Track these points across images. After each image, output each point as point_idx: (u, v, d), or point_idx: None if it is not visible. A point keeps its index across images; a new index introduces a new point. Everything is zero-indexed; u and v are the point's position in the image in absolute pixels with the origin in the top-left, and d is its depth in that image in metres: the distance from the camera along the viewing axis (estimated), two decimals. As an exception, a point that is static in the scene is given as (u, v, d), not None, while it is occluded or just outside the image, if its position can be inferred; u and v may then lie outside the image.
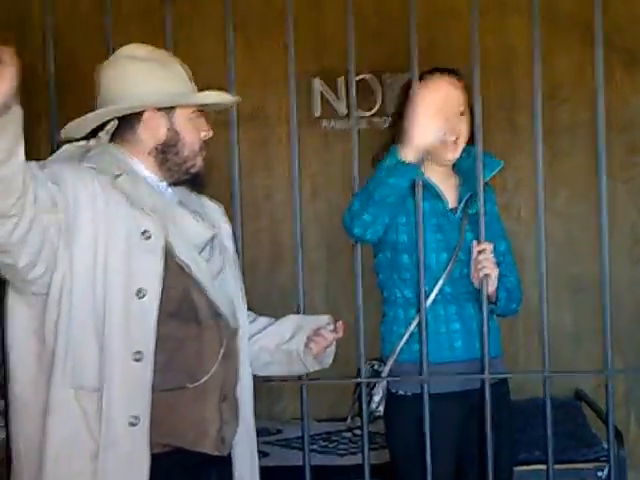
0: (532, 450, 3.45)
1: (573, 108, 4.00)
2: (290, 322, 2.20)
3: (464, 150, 2.54)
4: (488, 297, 2.38)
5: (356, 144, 2.31)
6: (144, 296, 1.86)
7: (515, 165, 4.02)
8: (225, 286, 2.03)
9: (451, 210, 2.56)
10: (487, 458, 2.18)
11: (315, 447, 3.48)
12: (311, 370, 2.20)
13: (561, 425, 3.34)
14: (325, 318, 2.21)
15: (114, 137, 1.98)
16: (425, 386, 2.17)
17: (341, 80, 3.98)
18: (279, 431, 3.85)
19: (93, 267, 1.84)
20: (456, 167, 2.60)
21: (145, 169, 1.98)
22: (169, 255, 1.90)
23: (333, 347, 2.20)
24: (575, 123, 3.99)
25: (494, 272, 2.39)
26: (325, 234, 4.06)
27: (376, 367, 2.52)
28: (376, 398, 2.49)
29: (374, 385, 2.50)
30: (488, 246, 2.37)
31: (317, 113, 4.04)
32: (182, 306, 1.91)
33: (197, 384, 1.90)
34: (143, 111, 1.96)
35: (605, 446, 3.33)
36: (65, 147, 2.01)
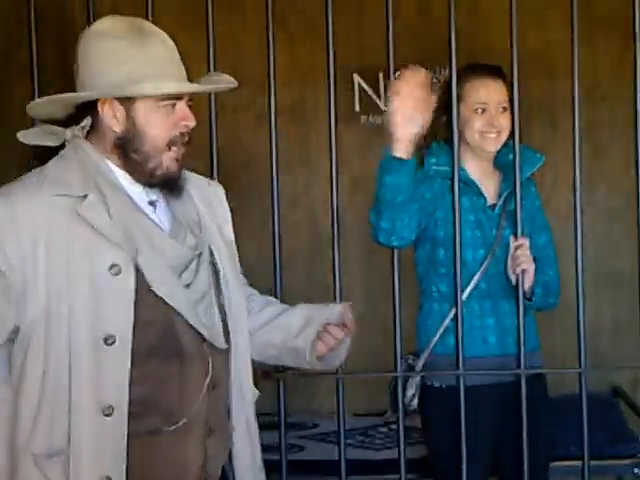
0: (568, 446, 3.42)
1: (612, 104, 3.98)
2: (299, 314, 1.97)
3: (504, 146, 2.54)
4: (524, 293, 2.38)
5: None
6: (113, 342, 1.65)
7: (554, 161, 4.00)
8: (218, 301, 1.82)
9: (490, 206, 2.57)
10: (522, 453, 2.18)
11: (351, 441, 3.48)
12: (319, 369, 2.01)
13: (597, 421, 3.32)
14: (338, 308, 1.97)
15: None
16: (461, 380, 2.17)
17: (381, 75, 3.98)
18: (315, 425, 3.87)
19: (49, 318, 1.64)
20: (497, 162, 2.61)
21: (117, 168, 1.75)
22: (143, 287, 1.68)
23: (347, 343, 1.96)
24: (614, 119, 3.97)
25: (531, 267, 2.39)
26: (364, 228, 4.05)
27: (410, 361, 2.54)
28: (409, 393, 2.50)
29: (407, 379, 2.51)
30: (525, 242, 2.37)
31: (357, 108, 4.05)
32: (163, 341, 1.71)
33: (176, 426, 1.72)
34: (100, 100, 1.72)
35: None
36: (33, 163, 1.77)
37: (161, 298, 1.69)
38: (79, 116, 1.75)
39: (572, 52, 1.98)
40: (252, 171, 4.01)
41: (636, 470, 3.42)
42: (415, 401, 2.51)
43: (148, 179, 1.75)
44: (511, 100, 2.42)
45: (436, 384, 2.52)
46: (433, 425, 2.57)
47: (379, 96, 4.03)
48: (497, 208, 2.56)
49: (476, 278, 2.43)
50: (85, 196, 1.66)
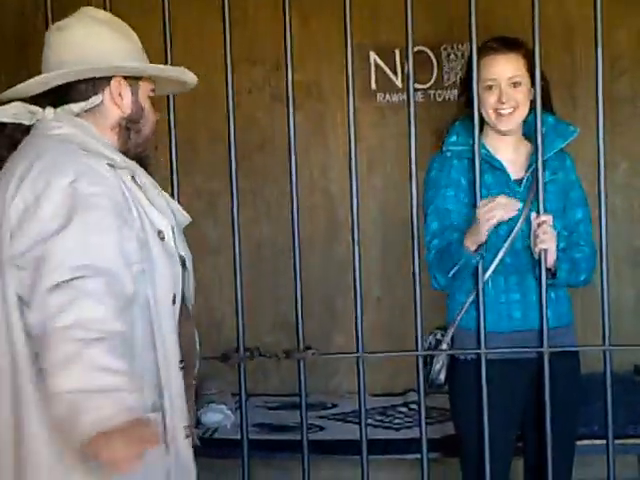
0: (591, 425, 3.42)
1: (633, 79, 3.93)
2: None
3: (534, 116, 2.48)
4: (548, 269, 2.36)
5: (412, 117, 2.30)
6: (175, 301, 1.79)
7: (575, 137, 3.97)
8: None
9: (516, 181, 2.54)
10: (545, 431, 2.17)
11: (370, 421, 3.49)
12: None
13: (620, 400, 3.30)
14: None
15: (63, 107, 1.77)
16: (483, 359, 2.16)
17: (397, 53, 3.95)
18: (335, 405, 3.88)
19: (143, 276, 1.71)
20: (527, 133, 2.57)
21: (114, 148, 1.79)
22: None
23: None
24: (635, 94, 3.92)
25: (552, 245, 2.37)
26: (381, 208, 4.05)
27: (438, 336, 2.55)
28: (436, 367, 2.52)
29: (436, 349, 2.53)
30: (547, 218, 2.35)
31: (373, 86, 4.02)
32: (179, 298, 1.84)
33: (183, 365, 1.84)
34: (110, 78, 1.78)
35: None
36: (56, 128, 1.75)
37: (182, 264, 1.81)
38: (63, 94, 1.76)
39: (595, 25, 1.95)
40: (268, 152, 4.00)
41: (660, 449, 3.41)
42: (443, 375, 2.53)
43: (133, 158, 1.81)
44: (532, 75, 2.39)
45: (462, 357, 2.53)
46: (461, 398, 2.57)
47: (395, 73, 4.00)
48: (524, 182, 2.52)
49: (500, 254, 2.41)
50: (133, 168, 1.75)
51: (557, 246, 2.41)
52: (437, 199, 2.54)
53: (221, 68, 2.30)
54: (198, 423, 2.12)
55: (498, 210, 2.33)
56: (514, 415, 2.54)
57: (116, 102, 1.78)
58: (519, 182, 2.53)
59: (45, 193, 1.60)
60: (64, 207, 1.59)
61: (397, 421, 3.68)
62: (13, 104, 1.76)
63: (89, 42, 1.76)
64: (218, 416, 3.48)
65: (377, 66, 4.01)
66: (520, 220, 2.44)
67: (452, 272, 2.40)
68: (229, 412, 3.48)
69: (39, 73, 1.78)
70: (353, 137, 2.08)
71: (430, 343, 2.54)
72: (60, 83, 1.76)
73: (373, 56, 4.00)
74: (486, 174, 2.46)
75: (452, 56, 3.97)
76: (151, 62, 1.85)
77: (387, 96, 4.02)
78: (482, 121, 2.49)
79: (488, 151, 2.53)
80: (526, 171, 2.53)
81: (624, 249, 3.96)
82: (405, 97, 2.51)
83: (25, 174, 1.65)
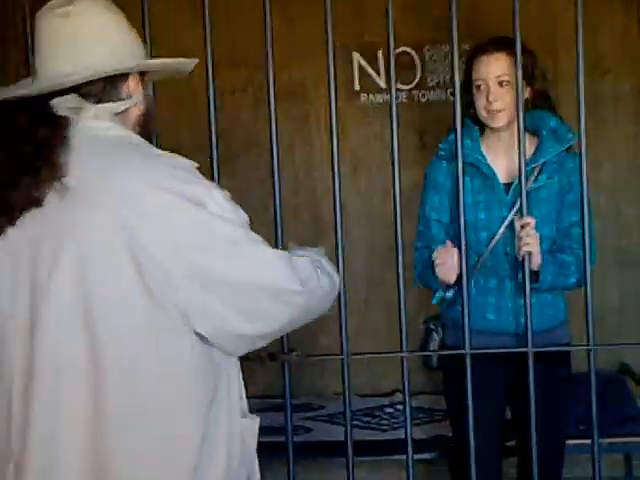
0: (576, 424, 3.43)
1: (616, 78, 3.94)
2: None
3: (537, 115, 2.54)
4: (532, 273, 2.35)
5: (395, 118, 2.29)
6: None
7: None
8: None
9: (505, 185, 2.55)
10: (530, 431, 2.17)
11: (357, 422, 3.49)
12: None
13: (606, 399, 3.31)
14: None
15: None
16: (467, 360, 2.15)
17: (380, 53, 3.96)
18: (322, 407, 3.88)
19: None
20: (532, 129, 2.56)
21: None
22: None
23: None
24: (618, 93, 3.93)
25: (536, 248, 2.36)
26: (365, 208, 4.05)
27: (431, 326, 2.63)
28: (431, 347, 2.62)
29: (429, 337, 2.63)
30: (531, 221, 2.34)
31: (356, 87, 4.02)
32: None
33: None
34: (128, 73, 1.62)
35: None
36: (122, 133, 1.58)
37: None
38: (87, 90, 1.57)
39: (576, 24, 1.95)
40: (252, 153, 3.99)
41: (645, 448, 3.43)
42: (435, 358, 2.63)
43: None
44: (527, 74, 2.41)
45: (450, 344, 2.59)
46: (452, 379, 2.61)
47: (379, 74, 4.00)
48: (513, 187, 2.52)
49: (481, 258, 2.46)
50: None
51: (541, 249, 2.41)
52: (425, 204, 2.62)
53: (204, 70, 2.29)
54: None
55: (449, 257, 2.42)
56: (497, 407, 2.64)
57: (137, 100, 1.64)
58: (508, 186, 2.53)
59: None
60: None
61: (384, 422, 3.68)
62: (71, 95, 1.56)
63: (114, 35, 1.61)
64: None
65: (361, 67, 4.01)
66: (504, 225, 2.47)
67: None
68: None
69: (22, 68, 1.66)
70: (336, 138, 2.08)
71: (425, 331, 2.64)
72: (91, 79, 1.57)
73: (357, 57, 4.00)
74: (475, 178, 2.48)
75: (435, 57, 3.97)
76: None
77: (371, 97, 4.02)
78: (479, 122, 2.56)
79: (480, 154, 2.53)
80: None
81: (609, 249, 3.96)
82: (388, 97, 2.51)
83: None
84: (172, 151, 1.61)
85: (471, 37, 3.16)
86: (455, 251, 2.39)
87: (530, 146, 2.52)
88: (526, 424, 2.27)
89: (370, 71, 4.02)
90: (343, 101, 3.85)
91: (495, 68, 2.49)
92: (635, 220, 3.91)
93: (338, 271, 1.84)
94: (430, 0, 3.43)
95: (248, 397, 1.76)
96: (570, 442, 3.46)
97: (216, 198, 1.53)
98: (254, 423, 1.72)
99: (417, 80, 3.97)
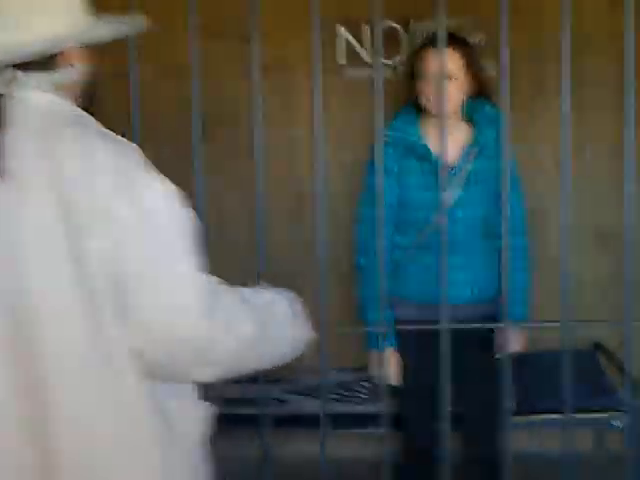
0: (550, 399, 3.47)
1: (601, 59, 3.95)
2: None
3: (473, 101, 2.76)
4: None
5: (381, 93, 2.29)
6: None
7: (541, 117, 4.00)
8: None
9: (448, 167, 2.73)
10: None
11: (334, 396, 3.51)
12: None
13: (579, 375, 3.35)
14: None
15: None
16: (444, 334, 2.13)
17: (366, 28, 3.94)
18: (297, 379, 3.89)
19: None
20: (469, 117, 2.79)
21: None
22: None
23: None
24: (603, 75, 3.94)
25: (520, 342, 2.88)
26: (348, 183, 4.05)
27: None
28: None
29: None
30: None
31: (341, 61, 4.01)
32: None
33: None
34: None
35: (621, 396, 3.35)
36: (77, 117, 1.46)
37: None
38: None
39: (561, 5, 1.95)
40: (237, 123, 3.98)
41: (614, 422, 3.47)
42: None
43: None
44: (469, 69, 2.72)
45: (398, 316, 2.81)
46: (401, 355, 2.80)
47: (365, 49, 3.99)
48: (456, 169, 2.74)
49: (421, 235, 2.60)
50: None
51: (478, 229, 2.75)
52: (372, 187, 2.73)
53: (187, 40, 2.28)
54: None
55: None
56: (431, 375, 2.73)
57: (77, 72, 1.51)
58: (449, 168, 2.73)
59: None
60: None
61: (359, 395, 3.70)
62: (3, 68, 1.43)
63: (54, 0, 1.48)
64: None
65: (346, 41, 3.99)
66: (446, 203, 2.63)
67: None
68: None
69: None
70: (319, 111, 2.08)
71: None
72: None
73: (341, 30, 3.98)
74: (418, 161, 2.61)
75: (420, 32, 3.95)
76: None
77: (356, 71, 4.01)
78: (423, 109, 2.77)
79: (420, 139, 2.73)
80: (456, 159, 2.75)
81: (588, 229, 4.01)
82: (373, 72, 2.51)
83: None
84: (123, 135, 1.50)
85: (459, 14, 3.15)
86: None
87: (467, 132, 2.76)
88: (468, 392, 2.58)
89: (356, 45, 4.00)
90: (327, 75, 3.82)
91: (441, 63, 2.62)
92: (613, 199, 3.94)
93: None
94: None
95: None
96: (543, 417, 3.51)
97: (154, 189, 1.43)
98: (208, 411, 1.66)
99: (403, 55, 3.96)
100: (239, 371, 1.58)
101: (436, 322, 2.10)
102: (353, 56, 4.01)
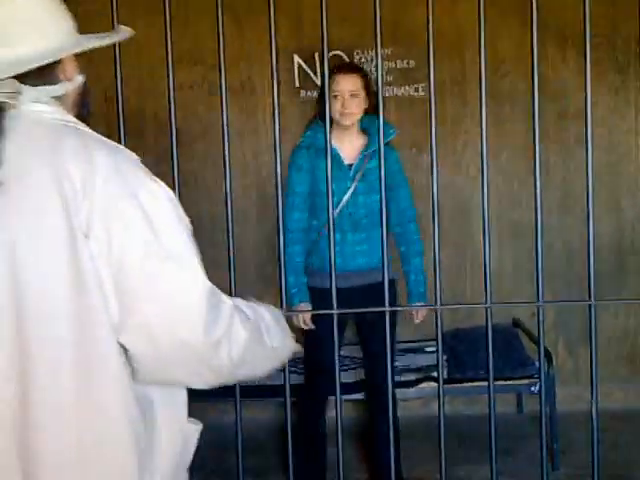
0: (477, 370, 3.52)
1: (513, 80, 4.01)
2: None
3: (370, 119, 2.96)
4: None
5: (328, 112, 2.30)
6: None
7: (465, 129, 4.05)
8: None
9: (348, 165, 3.00)
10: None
11: (295, 369, 3.50)
12: None
13: (501, 348, 3.40)
14: None
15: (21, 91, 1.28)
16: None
17: (317, 56, 3.97)
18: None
19: None
20: (365, 128, 3.03)
21: None
22: None
23: None
24: (515, 93, 4.00)
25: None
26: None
27: None
28: None
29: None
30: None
31: (297, 84, 4.03)
32: None
33: None
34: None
35: (537, 365, 3.41)
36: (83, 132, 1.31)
37: None
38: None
39: (479, 35, 1.98)
40: (207, 140, 3.97)
41: (532, 388, 3.53)
42: None
43: None
44: (367, 90, 2.96)
45: (311, 285, 3.03)
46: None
47: (316, 74, 4.02)
48: (354, 166, 3.00)
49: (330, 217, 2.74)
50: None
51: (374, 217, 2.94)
52: (293, 181, 3.00)
53: (166, 67, 2.26)
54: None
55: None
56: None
57: (72, 82, 1.37)
58: (350, 166, 3.01)
59: None
60: None
61: (302, 366, 3.66)
62: (8, 81, 1.28)
63: (47, 16, 1.33)
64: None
65: (300, 67, 4.01)
66: (347, 194, 2.96)
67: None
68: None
69: None
70: (278, 127, 2.09)
71: None
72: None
73: (297, 59, 4.00)
74: (324, 160, 2.70)
75: (363, 59, 3.99)
76: None
77: (309, 93, 4.03)
78: (331, 120, 2.93)
79: (331, 144, 2.81)
80: (356, 159, 3.01)
81: (505, 222, 4.06)
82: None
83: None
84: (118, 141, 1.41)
85: (394, 43, 3.16)
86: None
87: (363, 140, 3.04)
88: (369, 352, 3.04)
89: (308, 71, 4.03)
90: (285, 96, 3.84)
91: (349, 84, 2.94)
92: (526, 199, 4.01)
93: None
94: (359, 11, 3.44)
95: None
96: (472, 384, 3.55)
97: (154, 192, 1.30)
98: (197, 429, 1.44)
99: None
100: (233, 379, 1.42)
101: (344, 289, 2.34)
102: (306, 79, 4.03)
